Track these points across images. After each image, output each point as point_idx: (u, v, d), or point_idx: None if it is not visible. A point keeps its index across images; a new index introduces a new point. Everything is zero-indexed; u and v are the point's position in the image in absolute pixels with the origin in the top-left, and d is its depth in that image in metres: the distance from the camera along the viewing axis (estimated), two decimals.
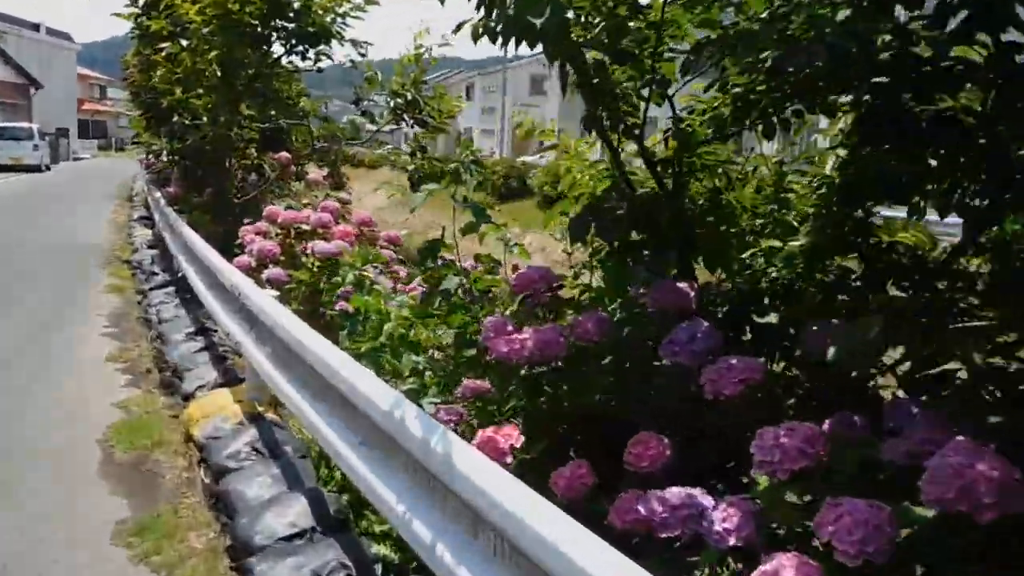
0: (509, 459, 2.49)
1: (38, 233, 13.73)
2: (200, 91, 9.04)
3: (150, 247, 11.96)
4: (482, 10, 2.60)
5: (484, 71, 54.84)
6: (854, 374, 2.48)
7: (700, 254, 3.18)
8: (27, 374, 5.93)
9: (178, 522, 3.71)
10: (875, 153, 2.83)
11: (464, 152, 3.60)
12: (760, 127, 2.82)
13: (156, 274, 9.75)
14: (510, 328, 2.92)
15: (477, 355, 3.26)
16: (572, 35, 2.66)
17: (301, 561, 3.02)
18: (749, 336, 3.00)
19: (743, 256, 3.24)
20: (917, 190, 2.79)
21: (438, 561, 2.19)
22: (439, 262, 3.81)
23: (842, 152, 3.11)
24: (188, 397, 5.33)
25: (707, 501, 2.10)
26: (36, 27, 47.87)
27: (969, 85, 2.36)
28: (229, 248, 7.24)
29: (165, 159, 11.94)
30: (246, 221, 7.89)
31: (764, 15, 2.52)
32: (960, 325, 2.51)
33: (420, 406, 2.80)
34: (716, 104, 2.89)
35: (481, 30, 2.63)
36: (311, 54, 8.77)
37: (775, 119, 2.75)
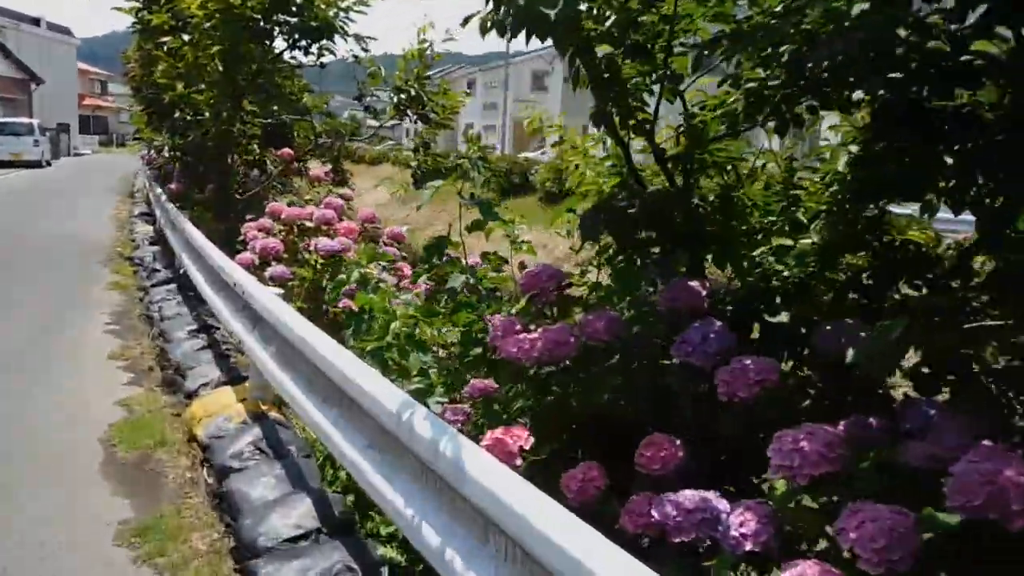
0: (518, 461, 2.45)
1: (39, 229, 13.69)
2: (202, 86, 8.99)
3: (152, 244, 11.91)
4: (490, 3, 2.55)
5: (486, 67, 54.77)
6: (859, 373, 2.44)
7: (709, 252, 3.14)
8: (28, 372, 5.90)
9: (181, 523, 3.67)
10: (890, 149, 2.78)
11: (472, 148, 3.55)
12: (772, 123, 2.78)
13: (158, 271, 9.71)
14: (518, 327, 2.88)
15: (483, 354, 3.22)
16: (583, 28, 2.61)
17: (307, 563, 2.98)
18: (756, 335, 2.96)
19: (753, 254, 3.20)
20: (931, 187, 2.74)
21: (448, 566, 2.15)
22: (444, 259, 3.77)
23: (854, 148, 3.07)
24: (191, 396, 5.30)
25: (722, 505, 2.06)
26: (36, 22, 47.76)
27: (986, 80, 2.32)
28: (231, 245, 7.20)
29: (166, 155, 11.91)
30: (248, 218, 7.85)
31: (778, 9, 2.47)
32: (975, 324, 2.47)
33: (427, 406, 2.76)
34: (728, 99, 2.84)
35: (490, 23, 2.58)
36: (314, 49, 8.71)
37: (788, 115, 2.70)
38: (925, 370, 2.23)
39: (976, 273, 2.80)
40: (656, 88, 2.97)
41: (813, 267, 3.05)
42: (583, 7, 2.59)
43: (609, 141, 3.49)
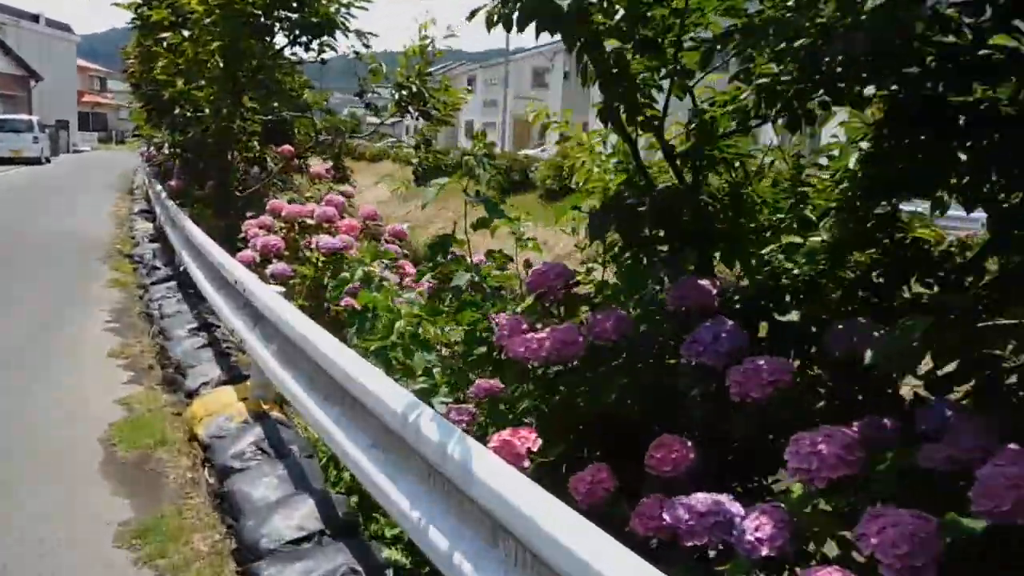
0: (526, 463, 2.41)
1: (38, 226, 13.65)
2: (202, 82, 8.93)
3: (151, 241, 11.87)
4: None
5: (486, 64, 54.65)
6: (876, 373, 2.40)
7: (717, 250, 3.09)
8: (27, 369, 5.85)
9: (182, 524, 3.63)
10: (901, 145, 2.74)
11: (477, 145, 3.50)
12: (784, 119, 2.73)
13: (158, 268, 9.66)
14: (525, 327, 2.84)
15: (488, 353, 3.17)
16: (593, 22, 2.56)
17: (310, 566, 2.94)
18: (764, 334, 2.92)
19: (762, 252, 3.16)
20: (944, 184, 2.70)
21: (456, 570, 2.11)
22: (448, 257, 3.72)
23: (865, 145, 3.03)
24: (191, 394, 5.25)
25: (735, 508, 2.02)
26: (36, 18, 47.64)
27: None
28: (232, 242, 7.15)
29: (166, 152, 11.84)
30: (248, 215, 7.80)
31: (791, 2, 2.42)
32: (988, 323, 2.43)
33: (431, 406, 2.72)
34: (739, 95, 2.79)
35: (496, 17, 2.53)
36: (315, 45, 8.66)
37: (800, 111, 2.65)
38: (948, 369, 2.17)
39: (989, 272, 2.77)
40: (665, 84, 2.92)
41: (823, 265, 3.01)
42: (592, 0, 2.54)
43: (613, 137, 3.45)
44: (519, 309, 3.30)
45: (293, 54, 9.12)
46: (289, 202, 7.78)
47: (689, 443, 2.30)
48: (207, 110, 9.02)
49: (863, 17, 2.04)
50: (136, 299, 8.54)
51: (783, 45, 2.31)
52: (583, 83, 2.70)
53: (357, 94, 9.09)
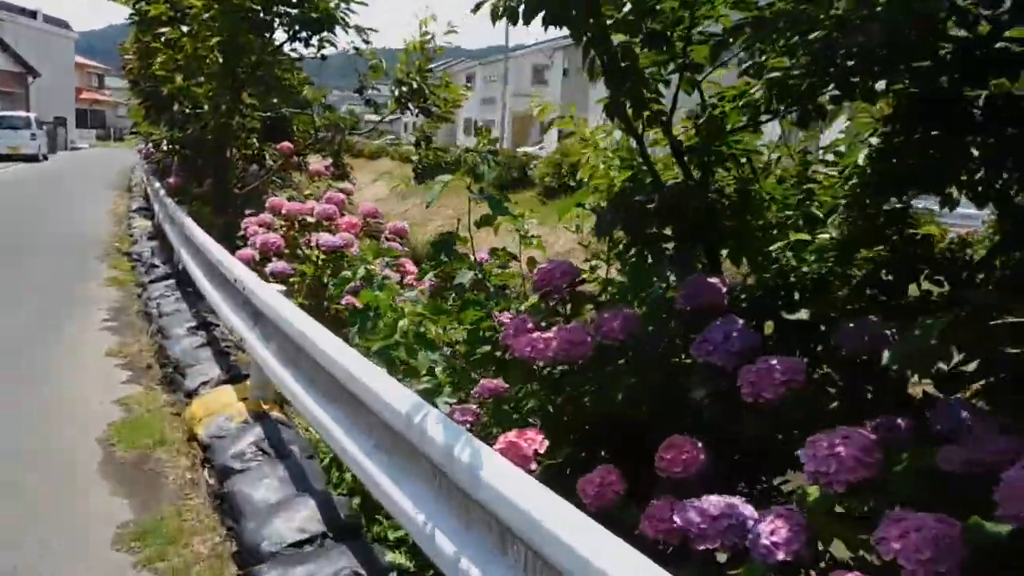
0: (533, 465, 2.37)
1: (36, 224, 13.59)
2: (201, 78, 8.86)
3: (150, 239, 11.81)
4: None
5: (485, 61, 54.56)
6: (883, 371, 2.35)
7: (725, 247, 3.05)
8: (25, 368, 5.80)
9: (182, 525, 3.59)
10: (912, 140, 2.70)
11: (481, 142, 3.45)
12: (793, 114, 2.69)
13: (156, 266, 9.60)
14: (530, 326, 2.79)
15: (491, 352, 3.13)
16: (601, 15, 2.51)
17: (312, 569, 2.90)
18: (768, 332, 2.88)
19: (769, 249, 3.12)
20: (954, 179, 2.66)
21: (463, 575, 2.06)
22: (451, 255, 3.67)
23: (875, 140, 2.98)
24: (191, 394, 5.20)
25: (748, 511, 1.97)
26: (33, 15, 47.46)
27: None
28: (230, 239, 7.10)
29: (165, 149, 11.77)
30: (247, 212, 7.74)
31: None
32: (1001, 321, 2.39)
33: (435, 406, 2.67)
34: (748, 89, 2.74)
35: (502, 9, 2.48)
36: (314, 41, 8.59)
37: (811, 106, 2.61)
38: (968, 368, 2.13)
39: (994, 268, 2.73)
40: (672, 79, 2.87)
41: (832, 262, 2.97)
42: None
43: (617, 133, 3.40)
44: (523, 308, 3.26)
45: (293, 50, 9.06)
46: (288, 199, 7.73)
47: (699, 444, 2.26)
48: (206, 106, 8.94)
49: (879, 8, 1.99)
50: (134, 297, 8.49)
51: (795, 39, 2.26)
52: (590, 77, 2.65)
53: (357, 90, 9.04)
